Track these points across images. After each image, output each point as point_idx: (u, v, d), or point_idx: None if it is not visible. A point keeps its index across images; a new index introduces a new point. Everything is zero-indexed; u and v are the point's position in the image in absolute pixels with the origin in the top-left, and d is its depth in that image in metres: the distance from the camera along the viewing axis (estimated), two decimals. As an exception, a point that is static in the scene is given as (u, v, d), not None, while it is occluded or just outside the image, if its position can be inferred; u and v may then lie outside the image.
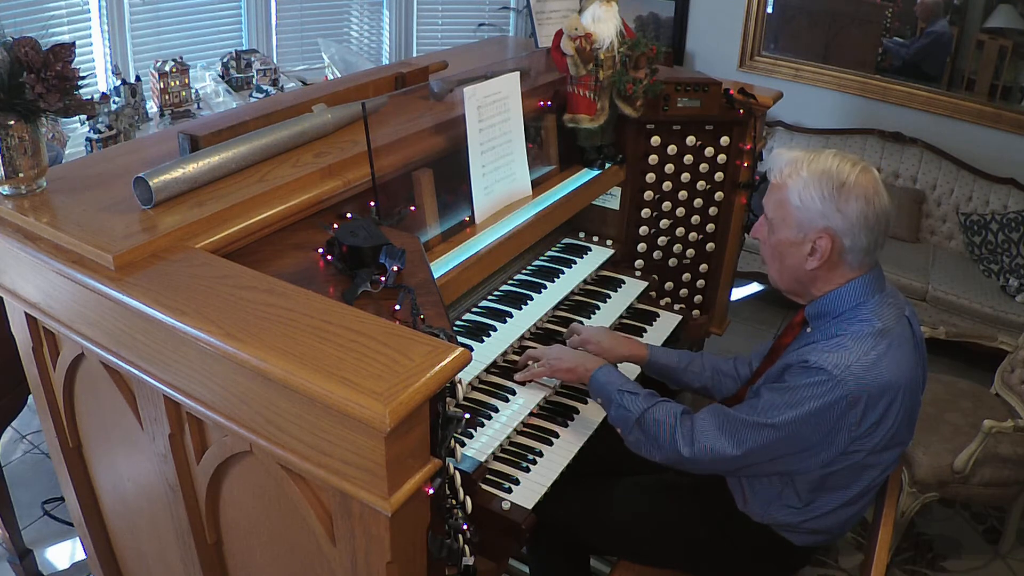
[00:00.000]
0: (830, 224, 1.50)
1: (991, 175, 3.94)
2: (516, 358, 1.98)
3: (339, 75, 3.79)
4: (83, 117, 2.88)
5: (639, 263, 2.53)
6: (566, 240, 2.46)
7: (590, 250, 2.41)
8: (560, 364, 1.81)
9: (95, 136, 3.14)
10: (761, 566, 1.73)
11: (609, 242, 2.46)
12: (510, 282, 2.20)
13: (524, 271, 2.26)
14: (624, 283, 2.38)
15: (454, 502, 1.26)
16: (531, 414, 1.84)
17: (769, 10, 4.41)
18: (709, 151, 2.44)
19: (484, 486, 1.63)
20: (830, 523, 1.65)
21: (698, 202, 2.50)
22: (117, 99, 3.34)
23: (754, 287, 4.29)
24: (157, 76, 3.46)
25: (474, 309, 2.05)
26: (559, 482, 1.70)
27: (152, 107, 3.54)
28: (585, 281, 2.32)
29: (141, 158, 1.66)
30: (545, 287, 2.18)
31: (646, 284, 2.39)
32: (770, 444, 1.52)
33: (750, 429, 1.52)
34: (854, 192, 1.48)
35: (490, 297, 2.11)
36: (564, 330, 2.05)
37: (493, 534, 1.55)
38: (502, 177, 2.02)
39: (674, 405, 1.65)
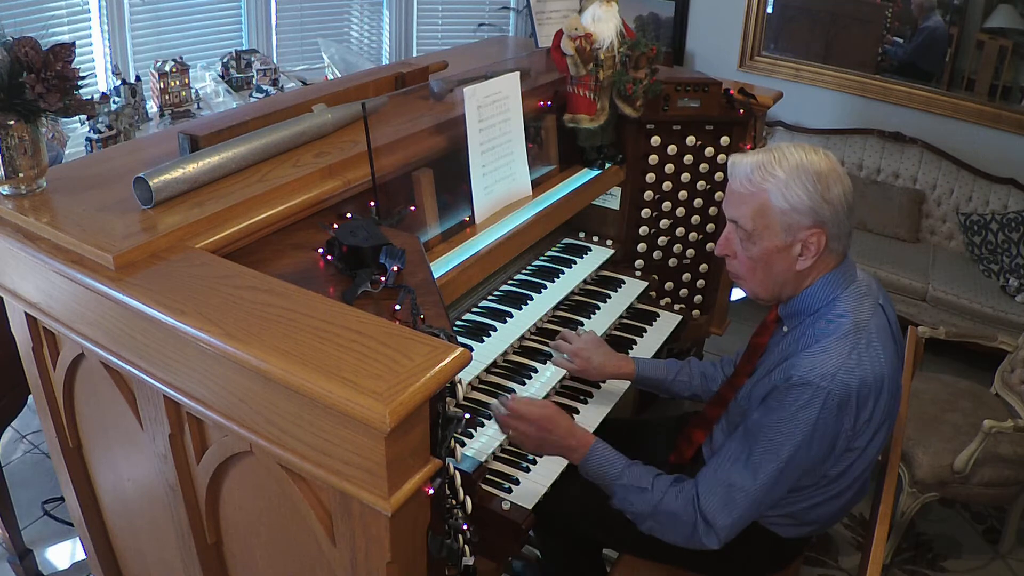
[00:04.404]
0: (820, 218, 1.47)
1: (991, 175, 3.93)
2: (516, 358, 1.98)
3: (339, 75, 3.79)
4: (83, 117, 2.88)
5: (639, 263, 2.53)
6: (566, 240, 2.46)
7: (590, 250, 2.41)
8: (548, 438, 1.62)
9: (95, 136, 3.14)
10: (753, 559, 1.73)
11: (609, 242, 2.46)
12: (510, 282, 2.20)
13: (524, 271, 2.26)
14: (624, 283, 2.38)
15: (454, 502, 1.26)
16: (531, 414, 1.84)
17: (769, 10, 4.41)
18: (709, 151, 2.44)
19: (484, 486, 1.63)
20: (817, 515, 1.65)
21: (698, 202, 2.50)
22: (117, 99, 3.34)
23: (754, 287, 4.29)
24: (157, 76, 3.46)
25: (474, 309, 2.05)
26: (559, 481, 1.70)
27: (152, 107, 3.54)
28: (585, 281, 2.32)
29: (141, 158, 1.66)
30: (545, 287, 2.18)
31: (646, 284, 2.39)
32: (783, 481, 1.51)
33: (762, 491, 1.50)
34: (830, 177, 1.46)
35: (490, 297, 2.11)
36: (564, 330, 2.04)
37: (493, 534, 1.55)
38: (502, 177, 2.02)
39: (687, 490, 1.56)
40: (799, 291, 1.56)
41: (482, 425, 1.75)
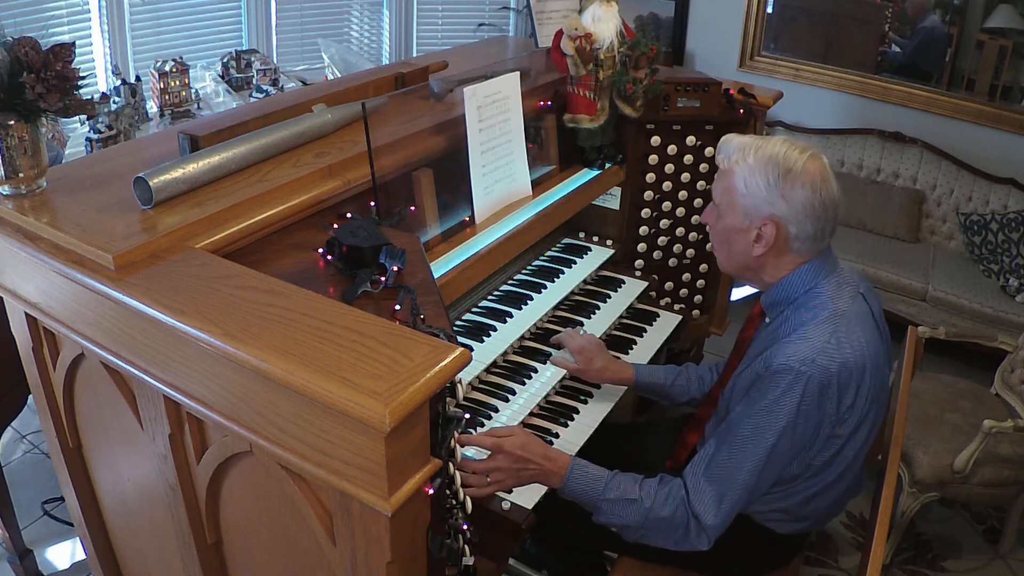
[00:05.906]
0: (775, 211, 1.50)
1: (991, 175, 3.93)
2: (516, 358, 1.98)
3: (339, 75, 3.79)
4: (83, 117, 2.88)
5: (639, 263, 2.53)
6: (566, 240, 2.46)
7: (590, 250, 2.41)
8: (527, 466, 1.56)
9: (95, 136, 3.14)
10: (751, 557, 1.73)
11: (609, 242, 2.46)
12: (510, 282, 2.20)
13: (524, 271, 2.26)
14: (624, 283, 2.38)
15: (454, 502, 1.26)
16: (531, 414, 1.84)
17: (769, 10, 4.41)
18: (709, 151, 2.43)
19: (484, 486, 1.63)
20: (812, 509, 1.66)
21: (698, 202, 2.50)
22: (117, 99, 3.34)
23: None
24: (157, 76, 3.46)
25: (474, 309, 2.05)
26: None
27: (152, 107, 3.54)
28: (585, 281, 2.32)
29: (141, 158, 1.66)
30: (545, 287, 2.18)
31: (646, 284, 2.39)
32: (769, 471, 1.52)
33: (749, 481, 1.51)
34: (800, 179, 1.48)
35: (490, 297, 2.11)
36: (564, 330, 2.04)
37: (493, 534, 1.55)
38: (502, 177, 2.02)
39: (675, 492, 1.55)
40: (775, 279, 1.58)
41: (482, 425, 1.75)
